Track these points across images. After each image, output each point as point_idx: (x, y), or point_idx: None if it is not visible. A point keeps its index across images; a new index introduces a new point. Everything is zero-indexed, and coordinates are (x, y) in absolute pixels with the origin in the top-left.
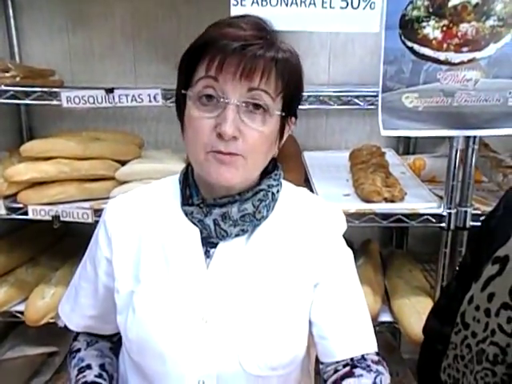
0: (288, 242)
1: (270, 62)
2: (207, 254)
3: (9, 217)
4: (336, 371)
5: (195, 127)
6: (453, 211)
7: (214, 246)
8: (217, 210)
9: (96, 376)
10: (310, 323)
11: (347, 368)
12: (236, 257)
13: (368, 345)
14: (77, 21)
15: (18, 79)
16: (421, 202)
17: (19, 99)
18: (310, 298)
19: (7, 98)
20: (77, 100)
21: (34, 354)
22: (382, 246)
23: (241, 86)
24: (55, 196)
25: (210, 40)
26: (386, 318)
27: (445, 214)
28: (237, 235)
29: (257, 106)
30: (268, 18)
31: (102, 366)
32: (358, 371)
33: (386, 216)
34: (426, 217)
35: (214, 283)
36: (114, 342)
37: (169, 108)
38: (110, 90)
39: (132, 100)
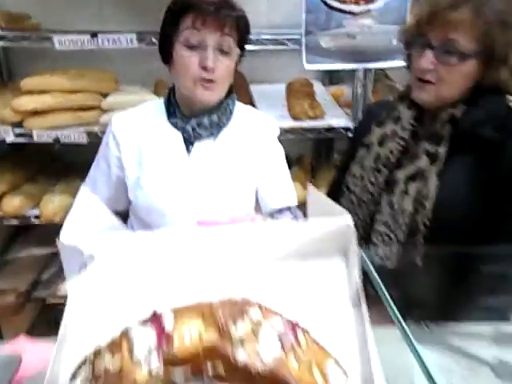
0: (240, 138)
1: (233, 19)
2: (188, 149)
3: (17, 141)
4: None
5: (185, 63)
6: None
7: (192, 144)
8: (193, 120)
9: None
10: (257, 192)
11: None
12: (206, 150)
13: (292, 200)
14: None
15: (2, 23)
16: (335, 118)
17: (11, 41)
18: (255, 173)
19: None
20: (67, 43)
21: (40, 254)
22: (313, 159)
23: (215, 35)
24: (54, 122)
25: (192, 3)
26: None
27: (351, 126)
28: (207, 137)
29: (224, 49)
30: None
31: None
32: (286, 213)
33: (310, 130)
34: (338, 130)
35: (193, 166)
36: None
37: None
38: (94, 35)
39: (113, 43)
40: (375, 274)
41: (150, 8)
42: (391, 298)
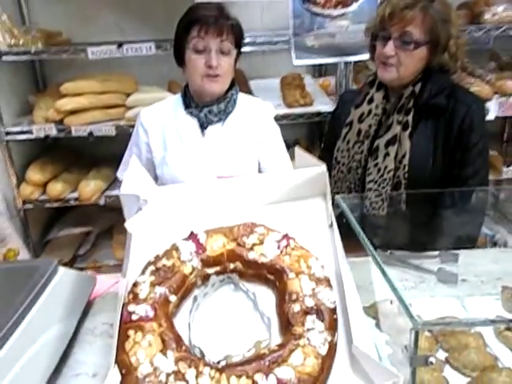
0: (243, 121)
1: (229, 26)
2: (202, 132)
3: (59, 135)
4: None
5: (194, 64)
6: None
7: (205, 128)
8: (205, 109)
9: None
10: (260, 164)
11: None
12: (217, 132)
13: (288, 170)
14: None
15: (42, 40)
16: (322, 105)
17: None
18: (257, 149)
19: (33, 55)
20: (98, 53)
21: (76, 233)
22: (308, 144)
23: (216, 40)
24: (88, 119)
25: (197, 18)
26: None
27: None
28: (217, 122)
29: (224, 50)
30: None
31: None
32: None
33: (302, 115)
34: (325, 114)
35: (207, 145)
36: None
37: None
38: (120, 45)
39: (135, 51)
40: (352, 218)
41: (159, 19)
42: (363, 231)
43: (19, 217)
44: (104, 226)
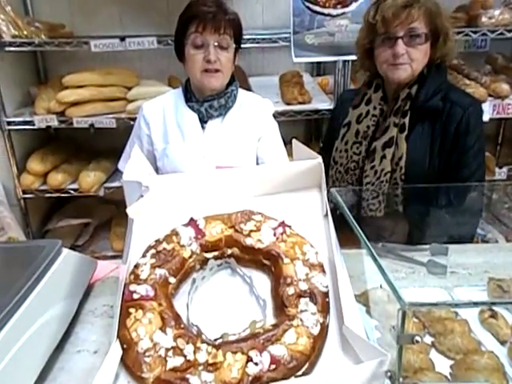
0: (243, 116)
1: (227, 21)
2: (202, 127)
3: (61, 126)
4: None
5: (194, 59)
6: None
7: (205, 122)
8: (206, 103)
9: None
10: (258, 158)
11: None
12: (217, 127)
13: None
14: None
15: (45, 32)
16: (320, 103)
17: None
18: (256, 144)
19: (37, 46)
20: (101, 46)
21: (75, 224)
22: (305, 141)
23: (214, 35)
24: (90, 111)
25: (195, 13)
26: None
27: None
28: (217, 116)
29: (223, 45)
30: None
31: None
32: None
33: (300, 112)
34: (323, 112)
35: (207, 139)
36: None
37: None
38: (122, 39)
39: (137, 45)
40: (346, 209)
41: (160, 15)
42: (359, 224)
43: (19, 206)
44: (102, 218)
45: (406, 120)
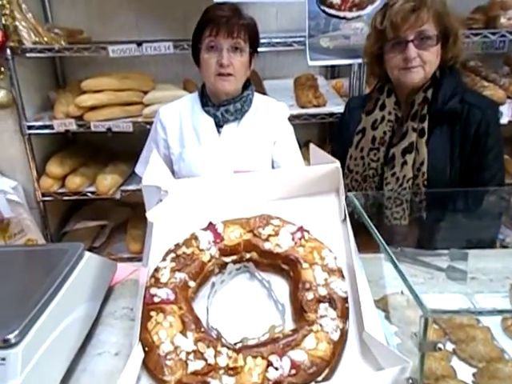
0: (258, 121)
1: (241, 26)
2: (218, 131)
3: (79, 130)
4: None
5: (207, 63)
6: None
7: (221, 127)
8: (222, 107)
9: None
10: (273, 162)
11: None
12: (233, 131)
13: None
14: None
15: (64, 38)
16: (335, 106)
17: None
18: (271, 148)
19: (56, 52)
20: (118, 51)
21: (92, 226)
22: (320, 144)
23: (228, 39)
24: (107, 115)
25: (210, 18)
26: None
27: None
28: (233, 121)
29: (236, 49)
30: None
31: None
32: None
33: (314, 116)
34: (337, 115)
35: (223, 143)
36: None
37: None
38: (139, 44)
39: (154, 49)
40: (364, 214)
41: (176, 20)
42: (377, 229)
43: (38, 208)
44: (118, 220)
45: (425, 124)
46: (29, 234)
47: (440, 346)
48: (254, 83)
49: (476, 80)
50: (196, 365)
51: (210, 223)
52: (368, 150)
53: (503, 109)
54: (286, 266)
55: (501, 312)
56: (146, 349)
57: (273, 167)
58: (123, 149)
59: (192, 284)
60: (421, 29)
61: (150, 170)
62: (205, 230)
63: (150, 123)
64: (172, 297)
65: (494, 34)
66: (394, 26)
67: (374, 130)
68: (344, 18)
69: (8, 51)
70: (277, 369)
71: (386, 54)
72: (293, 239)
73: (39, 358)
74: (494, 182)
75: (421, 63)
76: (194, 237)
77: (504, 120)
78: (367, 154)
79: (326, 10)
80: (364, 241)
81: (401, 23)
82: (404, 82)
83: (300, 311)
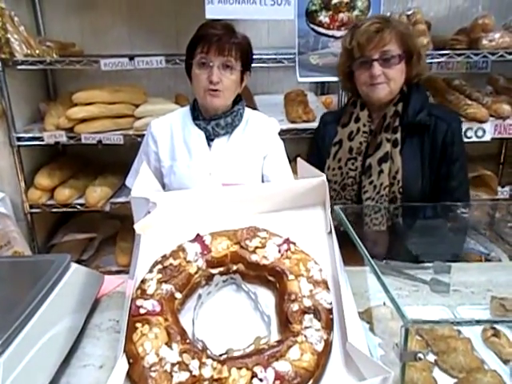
0: (249, 135)
1: (232, 44)
2: (209, 144)
3: (69, 143)
4: None
5: (198, 78)
6: None
7: (212, 140)
8: (212, 121)
9: None
10: (263, 176)
11: None
12: (223, 145)
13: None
14: (87, 5)
15: (56, 51)
16: None
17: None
18: (261, 162)
19: (48, 65)
20: (110, 65)
21: (80, 238)
22: None
23: (218, 57)
24: (98, 128)
25: (203, 35)
26: None
27: None
28: (223, 135)
29: (227, 66)
30: (228, 10)
31: None
32: None
33: (304, 130)
34: None
35: (213, 157)
36: None
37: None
38: (131, 58)
39: (146, 64)
40: (350, 227)
41: (168, 35)
42: (362, 242)
43: (26, 220)
44: (107, 233)
45: (398, 135)
46: (16, 247)
47: (420, 355)
48: (244, 98)
49: (460, 98)
50: (181, 376)
51: (198, 235)
52: (346, 160)
53: (486, 126)
54: (272, 277)
55: (478, 322)
56: (131, 360)
57: (263, 181)
58: (113, 161)
59: (178, 296)
60: (384, 49)
61: (140, 181)
62: (192, 241)
63: (141, 136)
64: (158, 308)
65: (476, 54)
66: (361, 46)
67: (350, 141)
68: (332, 36)
69: None
70: (261, 380)
71: (355, 71)
72: (279, 251)
73: (21, 369)
74: (461, 191)
75: (386, 80)
76: (182, 248)
77: (487, 137)
78: (345, 164)
79: (316, 28)
80: (350, 253)
81: (366, 43)
82: (372, 97)
83: (285, 322)
